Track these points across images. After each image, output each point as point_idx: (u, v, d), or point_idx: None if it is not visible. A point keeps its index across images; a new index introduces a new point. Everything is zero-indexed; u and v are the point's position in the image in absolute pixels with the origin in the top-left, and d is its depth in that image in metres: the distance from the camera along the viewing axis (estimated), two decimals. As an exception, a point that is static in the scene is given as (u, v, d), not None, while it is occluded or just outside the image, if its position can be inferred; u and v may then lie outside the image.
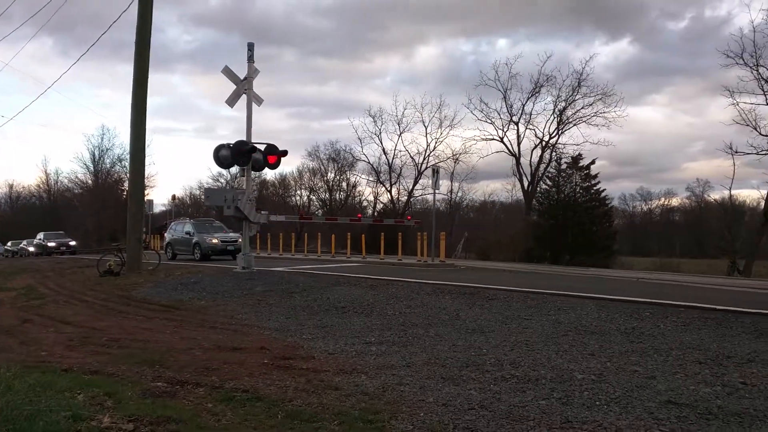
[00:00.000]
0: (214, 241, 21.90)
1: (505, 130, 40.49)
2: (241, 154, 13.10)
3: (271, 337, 7.63)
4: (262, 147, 13.66)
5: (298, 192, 56.16)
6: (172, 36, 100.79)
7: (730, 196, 36.18)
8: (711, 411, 4.12)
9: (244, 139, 13.49)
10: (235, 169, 23.77)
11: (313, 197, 54.53)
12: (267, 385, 5.08)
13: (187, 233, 23.01)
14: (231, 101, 13.62)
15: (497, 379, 5.13)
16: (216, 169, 51.36)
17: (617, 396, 4.51)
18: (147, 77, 15.33)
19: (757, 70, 30.48)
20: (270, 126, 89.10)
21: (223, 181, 51.97)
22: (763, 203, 31.15)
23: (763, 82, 30.46)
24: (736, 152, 31.27)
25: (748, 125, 31.00)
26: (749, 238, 32.05)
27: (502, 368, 5.51)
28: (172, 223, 25.96)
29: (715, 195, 57.25)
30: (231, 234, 22.41)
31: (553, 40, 79.04)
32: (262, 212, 14.35)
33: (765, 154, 30.87)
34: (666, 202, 69.62)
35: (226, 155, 13.23)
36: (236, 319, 9.21)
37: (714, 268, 31.04)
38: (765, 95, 30.53)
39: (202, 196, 28.54)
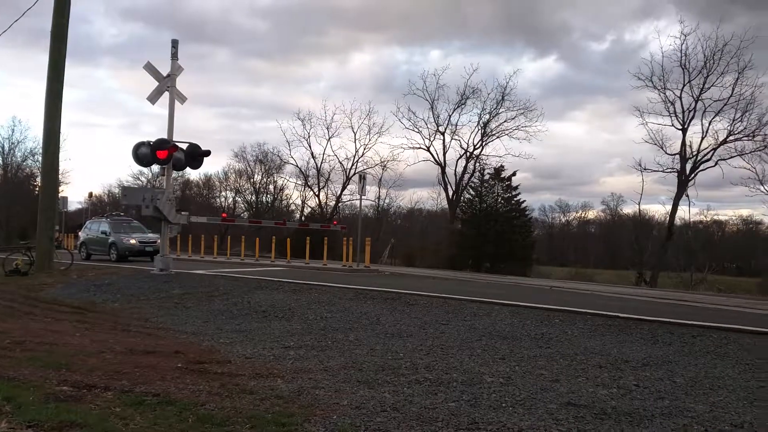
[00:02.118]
0: (132, 241, 21.12)
1: (431, 139, 41.31)
2: (162, 153, 12.72)
3: (187, 341, 7.47)
4: (184, 146, 13.33)
5: (223, 193, 54.99)
6: (98, 28, 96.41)
7: (639, 211, 38.54)
8: (606, 411, 4.40)
9: (166, 137, 13.12)
10: (156, 168, 22.96)
11: (239, 199, 53.57)
12: (179, 389, 4.99)
13: (103, 233, 22.05)
14: (153, 98, 13.22)
15: (411, 383, 5.26)
16: (136, 167, 49.47)
17: (522, 398, 4.74)
18: (63, 68, 14.63)
19: (664, 93, 32.73)
20: (198, 125, 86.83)
21: (143, 179, 50.18)
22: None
23: (669, 104, 32.72)
24: (645, 169, 33.52)
25: (655, 144, 33.18)
26: (655, 251, 34.16)
27: (417, 372, 5.65)
28: (87, 222, 24.82)
29: (627, 209, 60.49)
30: (150, 234, 21.67)
31: (485, 54, 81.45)
32: (183, 213, 13.99)
33: (670, 172, 33.11)
34: (583, 215, 72.97)
35: (145, 153, 12.81)
36: (151, 322, 8.95)
37: (624, 279, 32.82)
38: (670, 117, 32.81)
39: (120, 195, 27.40)
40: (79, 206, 49.31)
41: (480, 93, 39.56)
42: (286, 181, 49.94)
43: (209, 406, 4.47)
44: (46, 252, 14.94)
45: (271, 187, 51.82)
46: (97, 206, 49.57)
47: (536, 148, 73.16)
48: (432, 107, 40.86)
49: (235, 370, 5.78)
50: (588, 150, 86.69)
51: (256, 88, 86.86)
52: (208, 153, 13.42)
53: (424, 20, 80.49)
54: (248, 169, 51.47)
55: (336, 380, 5.37)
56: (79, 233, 24.76)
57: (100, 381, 5.16)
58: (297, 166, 46.62)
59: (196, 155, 13.33)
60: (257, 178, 51.72)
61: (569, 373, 5.58)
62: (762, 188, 32.08)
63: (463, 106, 40.23)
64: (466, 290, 12.52)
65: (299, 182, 47.44)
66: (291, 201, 51.48)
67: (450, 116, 40.65)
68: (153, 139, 13.00)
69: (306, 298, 10.52)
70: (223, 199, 54.79)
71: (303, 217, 45.32)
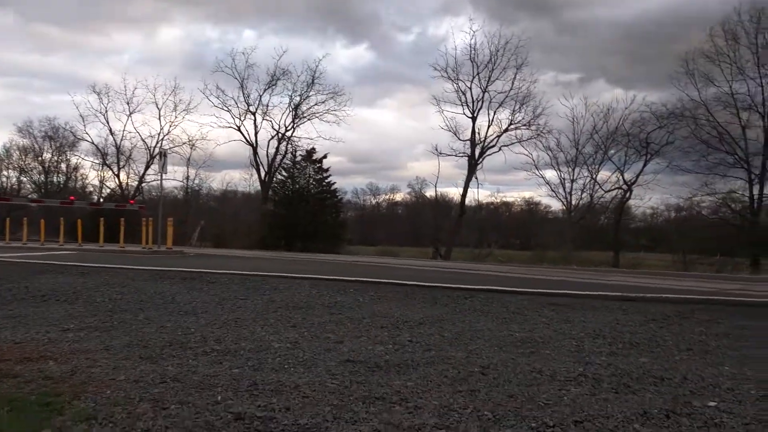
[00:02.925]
0: None
1: (242, 119, 40.37)
2: None
3: (-58, 331, 6.60)
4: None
5: (5, 173, 48.42)
6: None
7: (436, 192, 41.93)
8: (379, 364, 4.81)
9: None
10: None
11: (25, 179, 47.59)
12: (-76, 380, 4.44)
13: None
14: None
15: (198, 354, 5.25)
16: None
17: (305, 359, 4.99)
18: None
19: (457, 84, 35.82)
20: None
21: None
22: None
23: (461, 94, 35.89)
24: (441, 154, 36.53)
25: (449, 131, 36.24)
26: (450, 229, 37.42)
27: (206, 344, 5.64)
28: None
29: (431, 192, 64.97)
30: None
31: (299, 38, 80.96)
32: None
33: (462, 157, 36.41)
34: (391, 197, 76.69)
35: None
36: None
37: (425, 255, 35.35)
38: (462, 106, 36.00)
39: None
40: None
41: (290, 75, 39.46)
42: (81, 159, 45.41)
43: (-40, 395, 4.06)
44: None
45: (63, 166, 46.85)
46: None
47: (350, 133, 75.10)
48: (242, 86, 39.89)
49: (0, 355, 5.27)
50: (397, 136, 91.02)
51: (47, 57, 77.10)
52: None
53: (237, -1, 77.71)
54: (35, 146, 45.91)
55: (117, 358, 5.16)
56: None
57: None
58: (93, 143, 42.63)
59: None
60: (47, 156, 46.38)
61: (353, 335, 5.98)
62: (537, 172, 36.63)
63: (273, 87, 39.82)
64: (270, 267, 12.62)
65: (96, 161, 43.48)
66: (88, 182, 47.02)
67: (261, 96, 40.06)
68: None
69: (95, 280, 9.83)
70: (4, 179, 48.29)
71: (101, 199, 41.69)
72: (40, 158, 46.26)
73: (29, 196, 43.36)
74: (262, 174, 40.49)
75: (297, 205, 33.83)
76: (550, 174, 38.20)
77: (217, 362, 4.96)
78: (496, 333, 6.09)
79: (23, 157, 46.60)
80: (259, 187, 41.92)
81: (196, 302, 8.10)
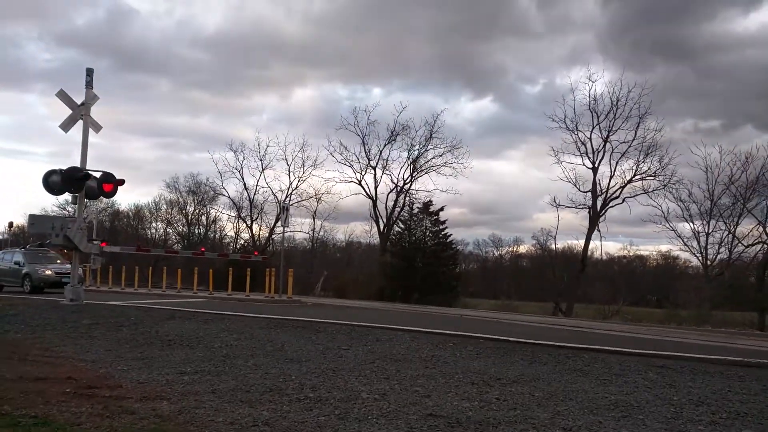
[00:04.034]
0: (48, 272, 20.48)
1: (363, 173, 42.01)
2: (73, 181, 12.67)
3: (84, 368, 7.49)
4: (97, 174, 13.30)
5: (154, 224, 53.75)
6: (30, 52, 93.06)
7: (555, 245, 40.55)
8: (459, 420, 4.84)
9: (78, 165, 13.09)
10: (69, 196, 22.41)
11: (170, 230, 52.49)
12: (61, 411, 5.11)
13: (17, 263, 21.28)
14: (65, 126, 13.20)
15: (292, 401, 5.56)
16: (64, 196, 47.72)
17: (389, 411, 5.13)
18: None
19: (576, 134, 35.03)
20: (135, 155, 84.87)
21: (70, 209, 48.44)
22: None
23: (580, 145, 34.99)
24: (559, 205, 35.52)
25: (569, 182, 35.31)
26: (571, 283, 35.90)
27: (302, 391, 5.96)
28: (0, 252, 23.86)
29: (559, 244, 63.07)
30: (67, 265, 21.08)
31: (425, 94, 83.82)
32: (94, 242, 13.86)
33: (582, 208, 35.17)
34: (514, 249, 75.09)
35: (56, 181, 12.72)
36: (52, 351, 8.86)
37: (545, 310, 34.10)
38: (582, 157, 35.03)
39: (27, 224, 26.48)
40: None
41: (409, 130, 40.71)
42: (218, 212, 49.40)
43: (86, 426, 4.63)
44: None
45: (204, 218, 51.18)
46: (19, 237, 47.49)
47: (474, 184, 75.69)
48: (363, 142, 41.71)
49: (124, 393, 5.92)
50: (521, 187, 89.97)
51: (196, 119, 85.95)
52: (122, 182, 13.42)
53: (365, 58, 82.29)
54: (180, 200, 50.71)
55: (221, 401, 5.60)
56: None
57: (-20, 406, 5.21)
58: (229, 197, 46.30)
59: (109, 184, 13.31)
60: (190, 209, 51.00)
61: (442, 390, 6.02)
62: (667, 224, 34.36)
63: (393, 141, 41.25)
64: (377, 318, 12.92)
65: (232, 214, 47.07)
66: (225, 233, 50.93)
67: (381, 151, 41.60)
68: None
69: (217, 327, 10.64)
70: (153, 231, 53.59)
71: (236, 249, 44.84)
72: (184, 211, 50.98)
73: (174, 247, 47.65)
74: (381, 226, 41.63)
75: (413, 256, 34.28)
76: (683, 227, 35.58)
77: (308, 409, 5.23)
78: (591, 395, 5.85)
79: (170, 210, 51.62)
80: (378, 239, 43.07)
81: (302, 350, 8.52)
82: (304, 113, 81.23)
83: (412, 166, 40.64)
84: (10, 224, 41.04)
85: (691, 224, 34.29)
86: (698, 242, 34.07)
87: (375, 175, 41.70)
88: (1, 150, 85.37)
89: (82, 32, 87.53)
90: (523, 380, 6.53)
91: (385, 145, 41.33)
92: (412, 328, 10.31)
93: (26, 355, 8.51)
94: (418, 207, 37.65)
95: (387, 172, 41.52)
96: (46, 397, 5.66)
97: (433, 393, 5.86)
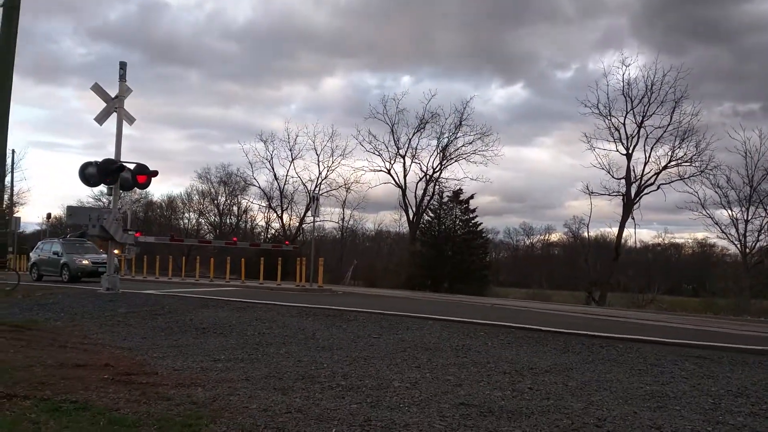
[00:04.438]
0: (85, 262, 20.98)
1: (392, 162, 41.94)
2: (109, 173, 12.92)
3: (121, 355, 7.67)
4: (131, 166, 13.54)
5: (186, 215, 54.64)
6: (65, 47, 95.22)
7: (588, 233, 39.90)
8: (492, 410, 4.81)
9: (113, 157, 13.34)
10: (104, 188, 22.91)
11: (203, 221, 53.29)
12: (100, 397, 5.24)
13: (55, 253, 21.85)
14: (100, 119, 13.46)
15: (324, 389, 5.60)
16: (99, 187, 48.76)
17: (421, 399, 5.13)
18: (10, 82, 14.75)
19: (609, 120, 34.27)
20: (167, 147, 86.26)
21: (105, 200, 49.54)
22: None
23: (614, 131, 34.24)
24: (592, 193, 34.87)
25: (603, 169, 34.61)
26: (604, 271, 35.34)
27: (334, 379, 5.99)
28: (39, 243, 24.55)
29: (591, 232, 62.21)
30: (104, 255, 21.56)
31: (455, 81, 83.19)
32: (129, 232, 14.13)
33: (616, 196, 34.47)
34: (546, 238, 74.32)
35: (92, 173, 12.99)
36: (90, 338, 9.09)
37: (578, 299, 33.68)
38: (615, 143, 34.27)
39: (65, 215, 27.13)
40: (38, 228, 48.36)
41: (438, 118, 40.43)
42: (249, 203, 49.95)
43: (123, 411, 4.74)
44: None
45: (235, 208, 51.79)
46: (56, 227, 48.77)
47: (505, 172, 75.01)
48: (392, 131, 41.60)
49: (159, 380, 6.04)
50: (553, 174, 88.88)
51: (226, 110, 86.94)
52: (155, 173, 13.64)
53: (394, 47, 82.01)
54: (212, 190, 51.39)
55: (254, 388, 5.67)
56: (31, 254, 24.46)
57: (23, 391, 5.38)
58: (260, 187, 46.75)
59: (143, 175, 13.54)
60: (221, 199, 51.66)
61: (474, 379, 5.99)
62: (704, 211, 33.47)
63: (422, 130, 41.04)
64: (409, 307, 12.92)
65: (263, 204, 47.53)
66: (256, 223, 51.50)
67: (410, 140, 41.44)
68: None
69: (249, 315, 10.77)
70: (186, 221, 54.48)
71: (267, 239, 45.32)
72: (215, 201, 51.67)
73: (206, 237, 48.39)
74: (411, 215, 41.57)
75: (443, 245, 34.18)
76: (720, 214, 34.64)
77: (340, 396, 5.26)
78: (626, 384, 5.76)
79: (202, 200, 52.37)
80: (407, 228, 43.03)
81: (334, 339, 8.57)
82: (333, 103, 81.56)
83: (441, 154, 40.46)
84: (48, 215, 42.22)
85: (729, 211, 33.33)
86: (737, 229, 33.11)
87: (404, 163, 41.64)
88: (38, 143, 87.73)
89: (114, 26, 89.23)
90: (555, 370, 6.46)
91: (414, 134, 41.22)
92: (443, 317, 10.27)
93: (66, 342, 8.74)
94: (447, 195, 37.52)
95: (416, 160, 41.44)
96: (86, 383, 5.80)
97: (465, 382, 5.84)
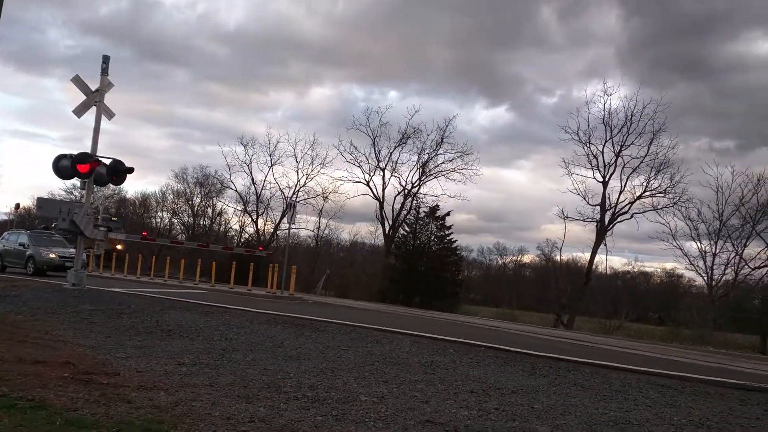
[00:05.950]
0: (52, 255, 20.51)
1: (371, 174, 41.96)
2: (83, 167, 12.67)
3: (82, 353, 7.48)
4: (107, 161, 13.32)
5: (159, 214, 53.87)
6: (52, 38, 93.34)
7: (560, 257, 40.43)
8: (457, 429, 4.80)
9: (89, 151, 13.10)
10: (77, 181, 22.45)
11: (176, 220, 52.58)
12: (58, 396, 5.09)
13: (21, 245, 21.32)
14: (79, 111, 13.22)
15: (290, 399, 5.53)
16: (71, 181, 47.84)
17: (387, 415, 5.09)
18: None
19: (588, 147, 34.89)
20: (147, 143, 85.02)
21: (77, 194, 48.55)
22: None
23: (592, 158, 34.86)
24: (567, 218, 35.35)
25: (579, 195, 35.15)
26: (574, 295, 35.79)
27: (300, 390, 5.92)
28: (5, 233, 23.94)
29: (563, 256, 62.95)
30: (72, 250, 21.10)
31: (441, 99, 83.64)
32: (101, 228, 13.86)
33: (590, 222, 35.00)
34: (519, 258, 74.91)
35: (66, 166, 12.73)
36: (52, 335, 8.86)
37: (546, 321, 33.96)
38: (593, 170, 34.90)
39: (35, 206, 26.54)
40: (5, 217, 47.20)
41: (420, 134, 40.60)
42: (225, 205, 49.45)
43: (82, 412, 4.61)
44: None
45: (210, 210, 51.23)
46: (25, 218, 47.67)
47: (483, 191, 75.54)
48: (374, 143, 41.64)
49: (121, 381, 5.90)
50: (531, 197, 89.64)
51: (211, 112, 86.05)
52: (131, 170, 13.42)
53: (384, 61, 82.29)
54: (187, 190, 50.80)
55: (218, 395, 5.57)
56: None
57: (-23, 386, 5.20)
58: (236, 190, 46.34)
59: (118, 171, 13.32)
60: (196, 200, 51.07)
61: (441, 396, 5.98)
62: (674, 242, 34.12)
63: (404, 144, 41.16)
64: (379, 320, 12.87)
65: (239, 208, 47.10)
66: (230, 226, 50.97)
67: (391, 153, 41.53)
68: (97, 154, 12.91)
69: (217, 320, 10.61)
70: (158, 220, 53.70)
71: (240, 243, 44.88)
72: (190, 202, 51.04)
73: (178, 237, 47.74)
74: (387, 228, 41.54)
75: (417, 260, 34.24)
76: (690, 245, 35.32)
77: (305, 408, 5.19)
78: (591, 410, 5.80)
79: (176, 200, 51.68)
80: (383, 241, 43.00)
81: (302, 348, 8.49)
82: (319, 112, 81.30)
83: (421, 169, 40.58)
84: (17, 206, 41.28)
85: (699, 243, 33.99)
86: (704, 262, 33.75)
87: (383, 176, 41.65)
88: (15, 132, 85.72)
89: (105, 21, 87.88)
90: (522, 391, 6.48)
91: (395, 147, 41.28)
92: (413, 332, 10.26)
93: (26, 337, 8.51)
94: (424, 211, 37.63)
95: (396, 174, 41.49)
96: (44, 381, 5.64)
97: (432, 399, 5.82)
